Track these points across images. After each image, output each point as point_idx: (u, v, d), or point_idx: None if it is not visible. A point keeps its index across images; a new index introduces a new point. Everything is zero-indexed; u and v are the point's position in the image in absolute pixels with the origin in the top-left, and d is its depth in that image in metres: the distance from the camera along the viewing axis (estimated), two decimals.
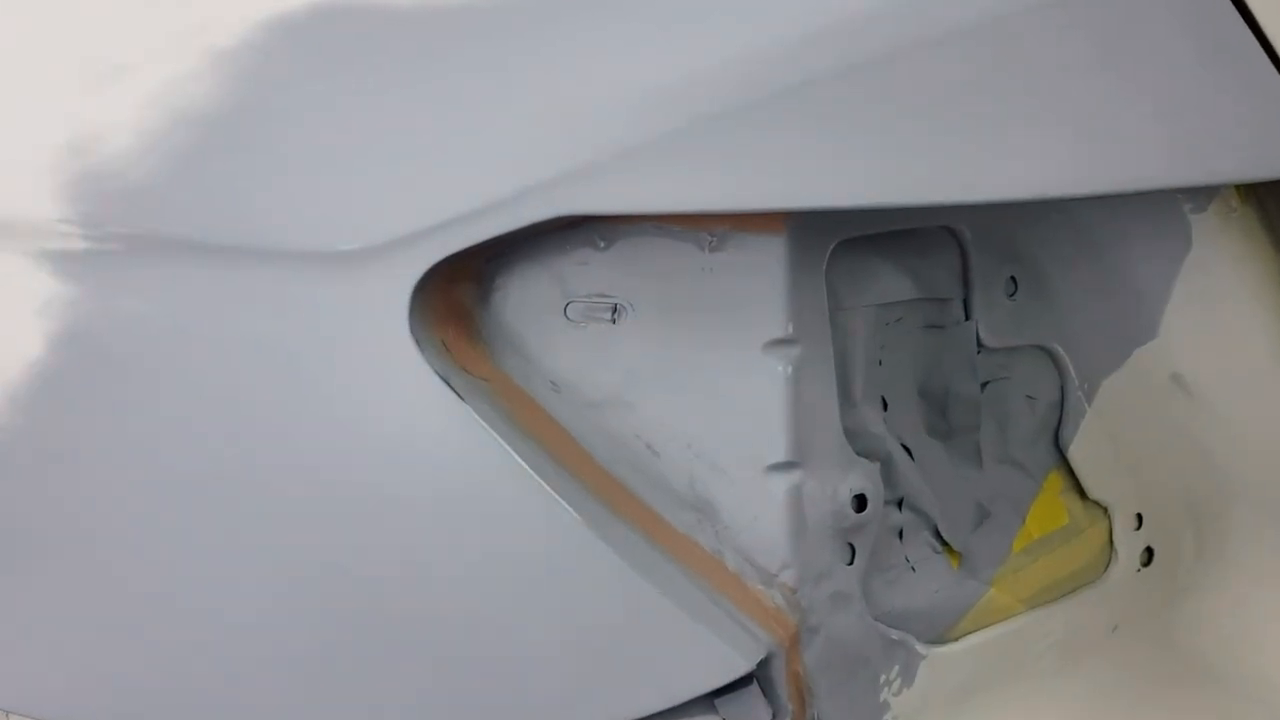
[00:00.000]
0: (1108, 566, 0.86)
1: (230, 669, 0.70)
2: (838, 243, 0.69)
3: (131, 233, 0.72)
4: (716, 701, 0.67)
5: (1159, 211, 0.76)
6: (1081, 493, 0.85)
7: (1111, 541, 0.86)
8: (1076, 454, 0.83)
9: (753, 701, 0.66)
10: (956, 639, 0.77)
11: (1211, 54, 0.67)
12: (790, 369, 0.67)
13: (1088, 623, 0.84)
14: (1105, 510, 0.86)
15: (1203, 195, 0.75)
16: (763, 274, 0.67)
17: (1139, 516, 0.87)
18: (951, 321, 0.76)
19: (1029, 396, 0.81)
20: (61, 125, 0.75)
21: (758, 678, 0.67)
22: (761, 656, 0.65)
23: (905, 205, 0.66)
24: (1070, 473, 0.84)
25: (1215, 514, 0.88)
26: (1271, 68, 0.67)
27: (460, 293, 0.68)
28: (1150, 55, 0.66)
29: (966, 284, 0.76)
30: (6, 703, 0.80)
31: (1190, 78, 0.67)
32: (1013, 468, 0.81)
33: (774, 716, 0.67)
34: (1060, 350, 0.81)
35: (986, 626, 0.78)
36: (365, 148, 0.68)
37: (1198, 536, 0.89)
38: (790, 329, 0.67)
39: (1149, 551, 0.88)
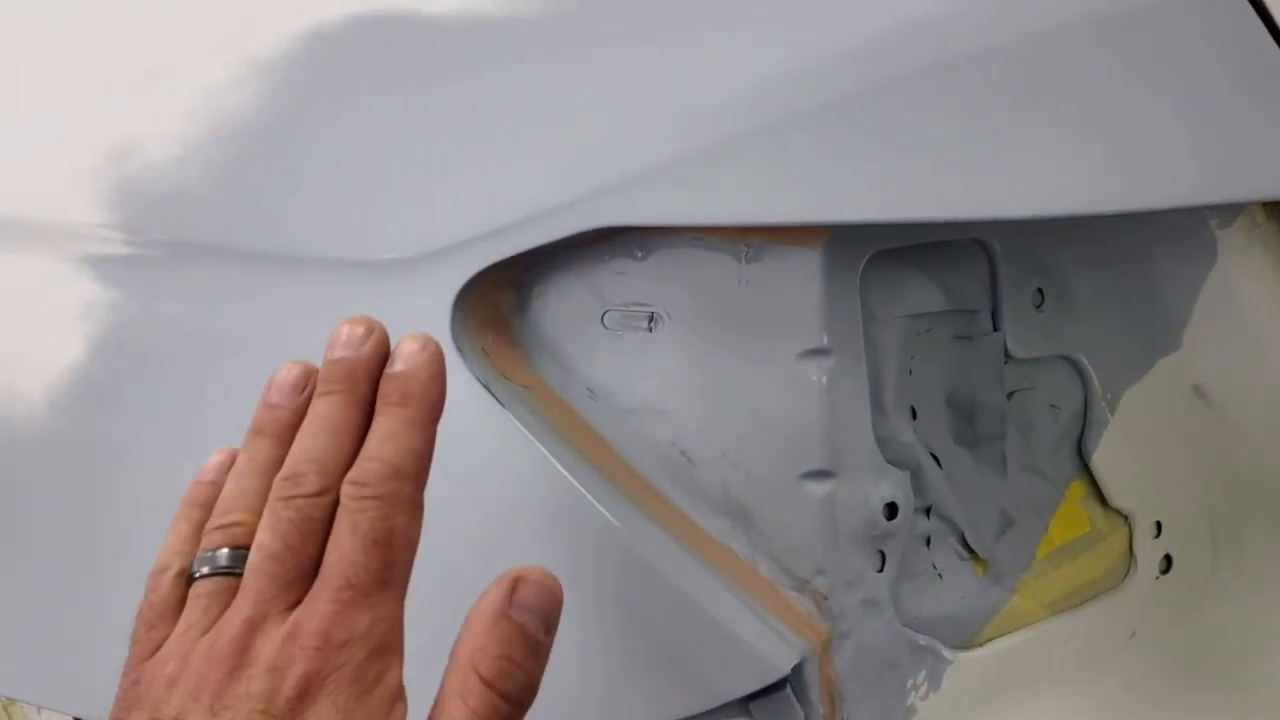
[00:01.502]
0: (1127, 574, 0.87)
1: None
2: (871, 255, 0.70)
3: (173, 239, 0.73)
4: (750, 705, 0.68)
5: (1185, 226, 0.77)
6: (1102, 501, 0.86)
7: (1131, 549, 0.87)
8: (1098, 463, 0.84)
9: (786, 705, 0.68)
10: (981, 644, 0.78)
11: (1242, 73, 0.68)
12: (824, 379, 0.68)
13: (1107, 629, 0.86)
14: (1125, 518, 0.87)
15: (1229, 211, 0.76)
16: (798, 285, 0.68)
17: (1158, 525, 0.88)
18: (980, 333, 0.77)
19: (1053, 406, 0.82)
20: (103, 132, 0.77)
21: (790, 682, 0.68)
22: (796, 661, 0.66)
23: (940, 220, 0.67)
24: (1091, 481, 0.85)
25: (1234, 525, 0.89)
26: None
27: (500, 301, 0.69)
28: (1181, 75, 0.68)
29: (995, 296, 0.77)
30: (41, 699, 0.81)
31: (1221, 96, 0.68)
32: (1036, 476, 0.82)
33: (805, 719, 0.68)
34: (1084, 361, 0.82)
35: (1010, 632, 0.79)
36: (406, 158, 0.69)
37: (1216, 547, 0.90)
38: (825, 340, 0.68)
39: (1168, 560, 0.89)
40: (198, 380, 0.73)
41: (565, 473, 0.66)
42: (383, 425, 0.48)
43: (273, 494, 0.47)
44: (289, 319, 0.70)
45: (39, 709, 0.85)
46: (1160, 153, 0.66)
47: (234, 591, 0.46)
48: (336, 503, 0.47)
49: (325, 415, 0.49)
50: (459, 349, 0.66)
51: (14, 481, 0.77)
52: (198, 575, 0.48)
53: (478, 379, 0.66)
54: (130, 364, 0.75)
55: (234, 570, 0.47)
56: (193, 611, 0.47)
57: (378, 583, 0.46)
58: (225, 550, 0.48)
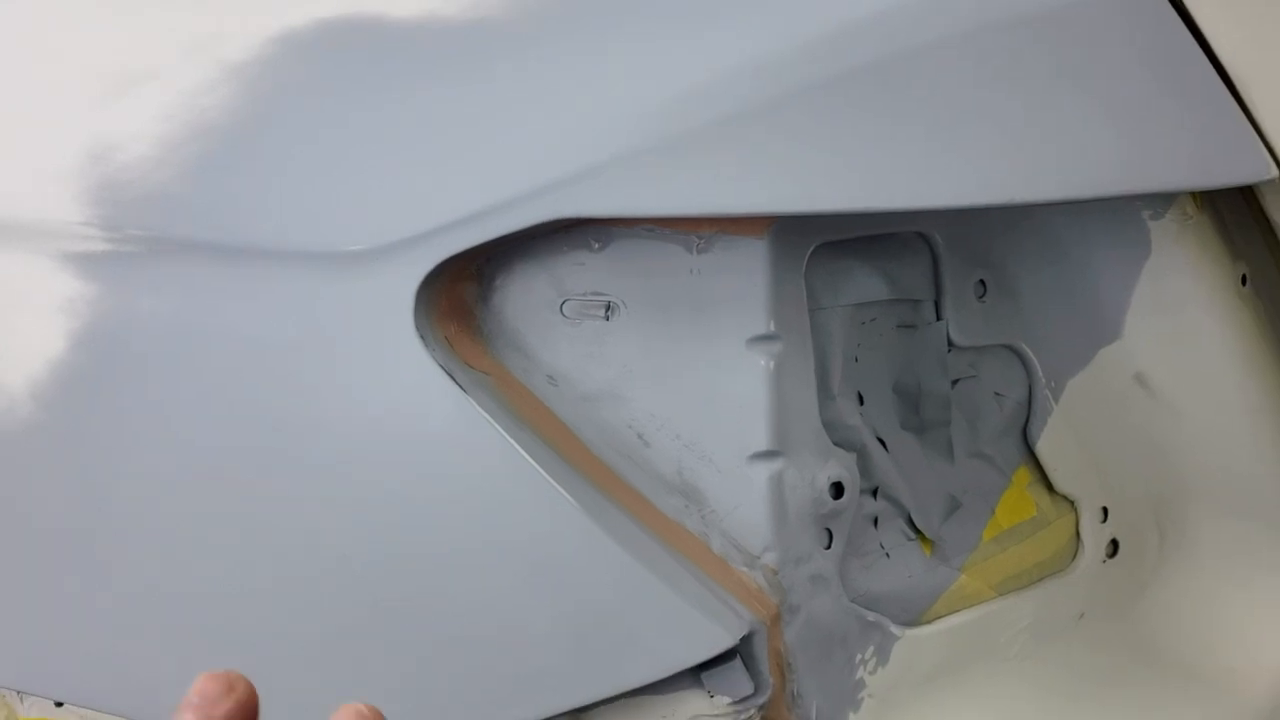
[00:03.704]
0: (1075, 557, 0.91)
1: (239, 650, 0.74)
2: (816, 246, 0.73)
3: (150, 235, 0.76)
4: (702, 675, 0.71)
5: (1120, 218, 0.80)
6: (1049, 486, 0.89)
7: (1078, 533, 0.90)
8: (1044, 449, 0.88)
9: (736, 675, 0.70)
10: (929, 622, 0.81)
11: (1164, 71, 0.72)
12: (772, 364, 0.71)
13: (1056, 609, 0.89)
14: (1072, 503, 0.90)
15: (1160, 203, 0.79)
16: (746, 274, 0.71)
17: (1104, 510, 0.91)
18: (923, 322, 0.80)
19: (998, 394, 0.85)
20: (83, 134, 0.79)
21: (740, 653, 0.71)
22: (744, 632, 0.69)
23: (878, 210, 0.71)
24: (1038, 467, 0.88)
25: (1178, 509, 0.92)
26: (1220, 85, 0.72)
27: (462, 291, 0.73)
28: (1107, 72, 0.71)
29: (938, 287, 0.80)
30: (26, 684, 0.84)
31: (1145, 93, 0.72)
32: (983, 461, 0.85)
33: (756, 690, 0.71)
34: (1027, 350, 0.85)
35: (958, 611, 0.82)
36: (371, 154, 0.72)
37: (1162, 531, 0.93)
38: (772, 326, 0.71)
39: (1114, 544, 0.92)
40: (176, 371, 0.76)
41: (524, 454, 0.69)
42: None
43: None
44: (260, 309, 0.73)
45: (21, 697, 0.88)
46: (1087, 146, 0.70)
47: None
48: None
49: None
50: (422, 337, 0.69)
51: None
52: None
53: (440, 366, 0.69)
54: (111, 357, 0.77)
55: None
56: None
57: None
58: None
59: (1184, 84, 0.72)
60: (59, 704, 0.85)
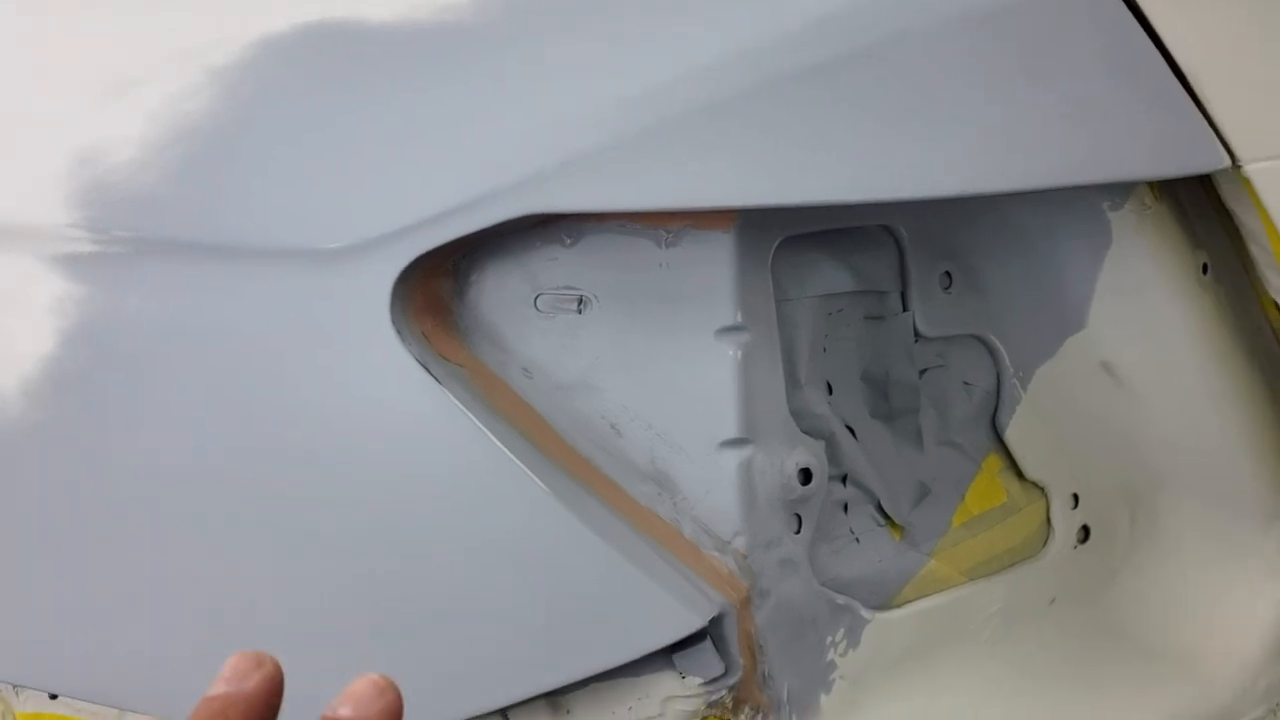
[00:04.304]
0: (1046, 543, 0.93)
1: (227, 638, 0.76)
2: (782, 239, 0.76)
3: (135, 236, 0.78)
4: (674, 657, 0.73)
5: (1080, 209, 0.82)
6: (1019, 473, 0.91)
7: (1049, 519, 0.92)
8: (1013, 437, 0.90)
9: (706, 656, 0.72)
10: (899, 606, 0.83)
11: (1119, 67, 0.74)
12: (740, 354, 0.73)
13: (1027, 594, 0.91)
14: (1042, 490, 0.92)
15: (1118, 194, 0.81)
16: (713, 267, 0.73)
17: (1075, 496, 0.93)
18: (890, 313, 0.82)
19: (966, 383, 0.87)
20: (71, 139, 0.82)
21: (711, 635, 0.72)
22: (714, 614, 0.71)
23: (842, 202, 0.73)
24: (1008, 454, 0.90)
25: (1148, 495, 0.94)
26: (1173, 79, 0.74)
27: (438, 286, 0.75)
28: (1064, 67, 0.73)
29: (903, 279, 0.82)
30: (19, 677, 0.86)
31: (1100, 87, 0.74)
32: (952, 449, 0.87)
33: (726, 671, 0.73)
34: (995, 340, 0.87)
35: (928, 595, 0.84)
36: (348, 154, 0.74)
37: (1132, 516, 0.95)
38: (739, 317, 0.73)
39: (1085, 530, 0.94)
40: (162, 368, 0.78)
41: (499, 444, 0.71)
42: None
43: None
44: (243, 306, 0.75)
45: (17, 690, 0.90)
46: (1042, 138, 0.72)
47: None
48: None
49: None
50: (398, 332, 0.71)
51: None
52: None
53: (416, 359, 0.71)
54: (99, 354, 0.79)
55: None
56: None
57: None
58: None
59: (1138, 79, 0.74)
60: (54, 696, 0.87)
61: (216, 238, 0.76)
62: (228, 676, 0.40)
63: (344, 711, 0.39)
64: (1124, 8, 0.74)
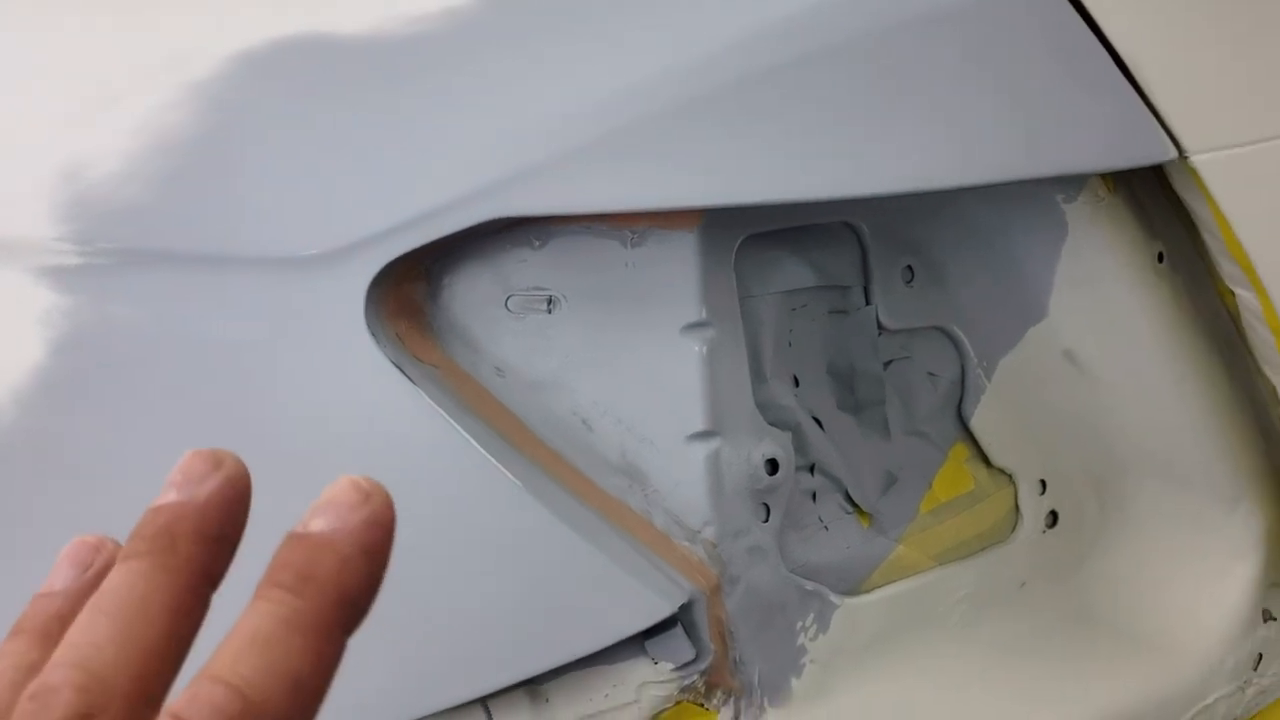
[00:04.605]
0: (1014, 528, 0.95)
1: (209, 631, 0.78)
2: (745, 237, 0.78)
3: (120, 247, 0.80)
4: (646, 643, 0.75)
5: (1036, 203, 0.85)
6: (986, 461, 0.93)
7: (1017, 505, 0.95)
8: (979, 426, 0.92)
9: (677, 642, 0.75)
10: (868, 591, 0.85)
11: (1066, 63, 0.76)
12: (705, 349, 0.76)
13: (997, 578, 0.93)
14: (1010, 477, 0.94)
15: (1071, 186, 0.84)
16: (678, 266, 0.76)
17: (1042, 482, 0.96)
18: (853, 307, 0.85)
19: (931, 374, 0.90)
20: (55, 154, 0.84)
21: (682, 621, 0.75)
22: (684, 601, 0.73)
23: (798, 200, 0.75)
24: (975, 443, 0.93)
25: (1114, 481, 0.96)
26: (1119, 74, 0.77)
27: (411, 290, 0.77)
28: (1013, 65, 0.76)
29: (866, 273, 0.85)
30: None
31: (1048, 84, 0.76)
32: (919, 438, 0.90)
33: (697, 656, 0.75)
34: (958, 331, 0.90)
35: (897, 580, 0.87)
36: (321, 163, 0.77)
37: (1100, 501, 0.97)
38: (703, 314, 0.76)
39: (1053, 515, 0.97)
40: (148, 374, 0.80)
41: (472, 441, 0.73)
42: (253, 621, 0.30)
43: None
44: (224, 313, 0.77)
45: None
46: (994, 134, 0.74)
47: None
48: None
49: (113, 593, 0.31)
50: (373, 334, 0.73)
51: None
52: None
53: (391, 361, 0.73)
54: (87, 363, 0.82)
55: None
56: None
57: None
58: None
59: (1085, 75, 0.76)
60: None
61: (198, 247, 0.78)
62: (179, 481, 0.34)
63: (316, 525, 0.32)
64: (1068, 4, 0.76)
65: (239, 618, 0.30)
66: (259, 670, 0.29)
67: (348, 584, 0.31)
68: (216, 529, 0.33)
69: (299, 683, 0.29)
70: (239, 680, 0.28)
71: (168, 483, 0.34)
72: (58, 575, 0.35)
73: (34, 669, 0.31)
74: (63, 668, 0.29)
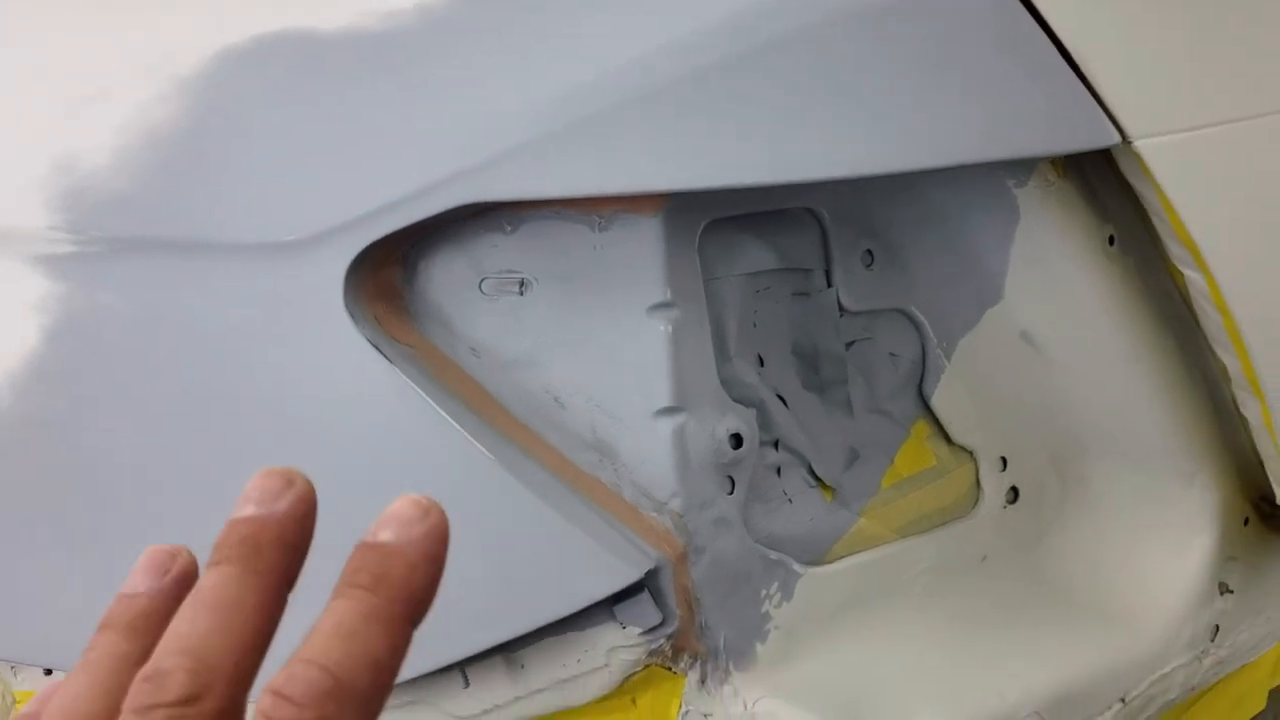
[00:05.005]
0: (976, 503, 0.98)
1: None
2: (708, 222, 0.82)
3: (111, 235, 0.84)
4: (614, 609, 0.79)
5: (989, 187, 0.88)
6: (948, 438, 0.97)
7: (978, 481, 0.98)
8: (939, 404, 0.95)
9: (644, 607, 0.78)
10: (832, 561, 0.89)
11: (1012, 52, 0.80)
12: (670, 328, 0.79)
13: (958, 552, 0.96)
14: (971, 454, 0.98)
15: (1021, 171, 0.87)
16: (643, 249, 0.79)
17: (1003, 459, 0.99)
18: (815, 289, 0.88)
19: (892, 354, 0.93)
20: (49, 147, 0.87)
21: (649, 588, 0.78)
22: (650, 567, 0.77)
23: (758, 184, 0.79)
24: (936, 421, 0.96)
25: (1073, 458, 1.00)
26: (1063, 63, 0.80)
27: (389, 274, 0.81)
28: (962, 54, 0.79)
29: (827, 257, 0.88)
30: (16, 655, 0.92)
31: (996, 72, 0.80)
32: (882, 416, 0.93)
33: (664, 621, 0.79)
34: (918, 313, 0.93)
35: (859, 552, 0.90)
36: (301, 153, 0.80)
37: (1060, 478, 1.01)
38: (668, 295, 0.79)
39: (1014, 491, 1.00)
40: (139, 357, 0.84)
41: (448, 418, 0.77)
42: (337, 615, 0.35)
43: (126, 703, 0.33)
44: (210, 298, 0.81)
45: (14, 669, 0.95)
46: (943, 121, 0.78)
47: None
48: (222, 715, 0.33)
49: (212, 591, 0.35)
50: (351, 316, 0.77)
51: None
52: None
53: (369, 341, 0.77)
54: (80, 347, 0.85)
55: None
56: None
57: None
58: None
59: (1029, 61, 0.80)
60: (48, 672, 0.93)
61: (184, 235, 0.82)
62: (256, 498, 0.37)
63: (384, 536, 0.36)
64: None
65: (323, 612, 0.35)
66: (345, 655, 0.33)
67: (415, 585, 0.36)
68: (294, 538, 0.37)
69: (378, 665, 0.34)
70: (329, 662, 0.33)
71: (244, 498, 0.38)
72: (139, 579, 0.39)
73: (128, 658, 0.36)
74: (173, 654, 0.33)
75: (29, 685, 0.97)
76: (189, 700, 0.32)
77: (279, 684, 0.33)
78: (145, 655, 0.35)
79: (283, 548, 0.37)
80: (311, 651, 0.33)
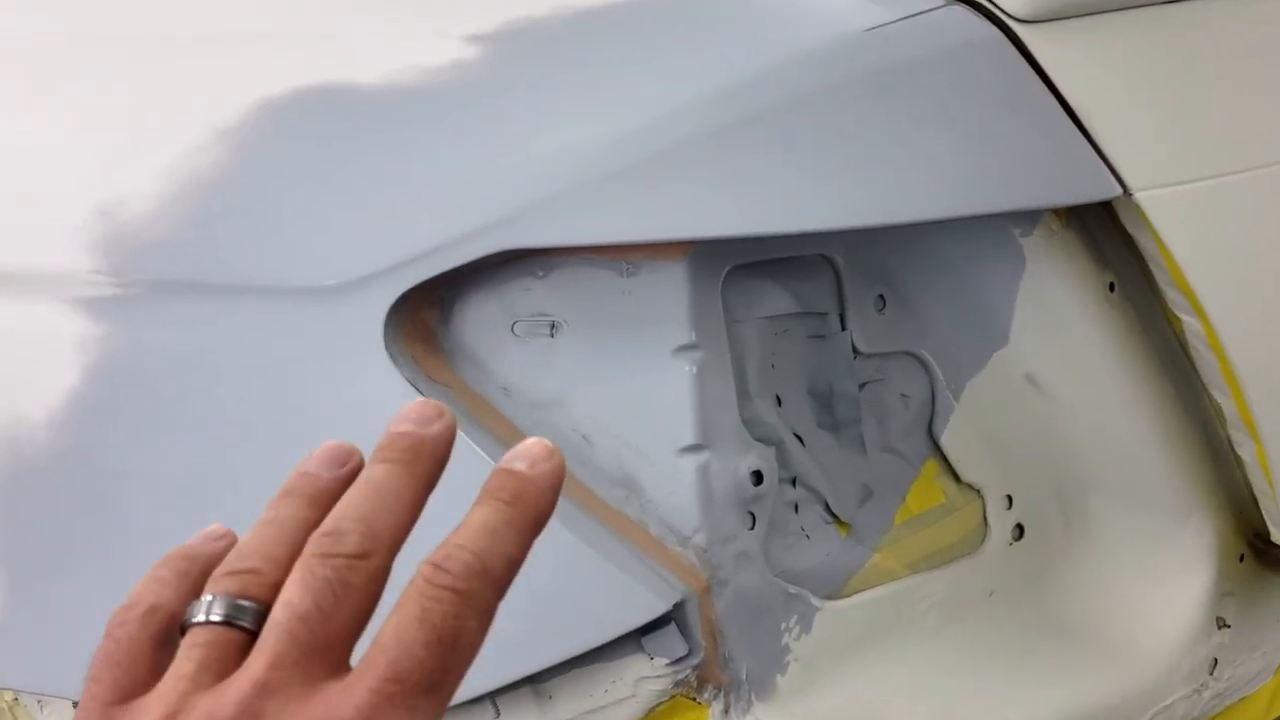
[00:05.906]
0: (983, 540, 1.02)
1: None
2: (731, 267, 0.85)
3: (152, 279, 0.87)
4: (642, 640, 0.82)
5: (995, 236, 0.92)
6: (956, 477, 1.00)
7: (985, 519, 1.02)
8: (948, 444, 0.99)
9: (671, 639, 0.81)
10: (847, 595, 0.92)
11: (1020, 111, 0.84)
12: (695, 369, 0.83)
13: (967, 587, 0.99)
14: (978, 492, 1.01)
15: (1026, 221, 0.91)
16: (669, 293, 0.83)
17: (1009, 497, 1.03)
18: (830, 333, 0.92)
19: (903, 395, 0.97)
20: (92, 193, 0.90)
21: (675, 620, 0.81)
22: (677, 600, 0.80)
23: (779, 233, 0.83)
24: (945, 459, 1.00)
25: (1076, 496, 1.03)
26: (1066, 118, 0.85)
27: (426, 316, 0.84)
28: (972, 113, 0.84)
29: (841, 301, 0.92)
30: (47, 689, 0.93)
31: (1004, 130, 0.84)
32: (893, 455, 0.97)
33: (690, 652, 0.82)
34: (928, 356, 0.97)
35: (873, 586, 0.93)
36: (342, 200, 0.84)
37: (1065, 516, 1.04)
38: (693, 337, 0.83)
39: (1019, 528, 1.03)
40: (179, 398, 0.86)
41: (482, 453, 0.80)
42: (484, 516, 0.43)
43: (308, 549, 0.41)
44: (252, 339, 0.84)
45: (41, 703, 0.97)
46: (957, 173, 0.82)
47: (236, 648, 0.40)
48: (379, 574, 0.41)
49: (380, 480, 0.43)
50: (391, 356, 0.80)
51: (19, 495, 0.89)
52: (194, 621, 0.41)
53: (407, 379, 0.80)
54: (120, 387, 0.88)
55: (236, 622, 0.41)
56: (185, 662, 0.40)
57: (428, 686, 0.39)
58: (233, 600, 0.41)
59: (1037, 120, 0.84)
60: (76, 704, 0.94)
61: (226, 279, 0.85)
62: (414, 419, 0.45)
63: (519, 465, 0.44)
64: (1021, 59, 0.84)
65: (469, 513, 0.43)
66: (488, 546, 0.42)
67: (542, 507, 0.44)
68: (442, 455, 0.45)
69: (511, 561, 0.43)
70: (478, 549, 0.41)
71: (402, 416, 0.45)
72: (319, 464, 0.46)
73: (307, 522, 0.43)
74: (349, 519, 0.42)
75: (55, 719, 0.99)
76: (360, 555, 0.41)
77: (439, 558, 0.41)
78: (318, 524, 0.42)
79: (434, 460, 0.45)
80: (464, 539, 0.41)
